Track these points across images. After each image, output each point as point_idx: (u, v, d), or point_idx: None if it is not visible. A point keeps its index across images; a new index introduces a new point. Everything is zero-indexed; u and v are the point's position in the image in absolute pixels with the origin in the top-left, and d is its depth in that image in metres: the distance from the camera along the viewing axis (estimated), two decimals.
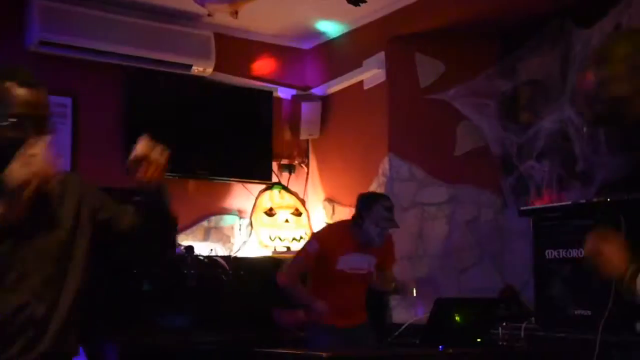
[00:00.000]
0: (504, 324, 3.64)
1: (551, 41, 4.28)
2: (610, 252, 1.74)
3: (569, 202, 3.80)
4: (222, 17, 4.56)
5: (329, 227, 4.39)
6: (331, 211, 5.24)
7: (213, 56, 5.01)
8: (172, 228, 4.19)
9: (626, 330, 3.23)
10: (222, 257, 4.75)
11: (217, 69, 5.08)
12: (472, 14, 4.49)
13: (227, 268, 4.50)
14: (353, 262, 3.80)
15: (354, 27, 5.12)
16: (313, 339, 3.76)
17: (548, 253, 3.69)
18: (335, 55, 5.34)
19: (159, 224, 2.09)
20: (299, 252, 3.98)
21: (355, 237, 3.80)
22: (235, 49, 5.31)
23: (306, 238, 5.01)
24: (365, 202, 3.82)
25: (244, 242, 5.16)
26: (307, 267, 3.81)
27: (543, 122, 4.42)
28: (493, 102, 4.70)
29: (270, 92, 5.35)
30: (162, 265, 4.22)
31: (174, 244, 4.47)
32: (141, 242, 2.09)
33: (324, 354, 2.79)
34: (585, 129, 4.12)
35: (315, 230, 5.00)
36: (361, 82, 5.09)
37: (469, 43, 4.80)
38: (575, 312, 3.47)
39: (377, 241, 3.78)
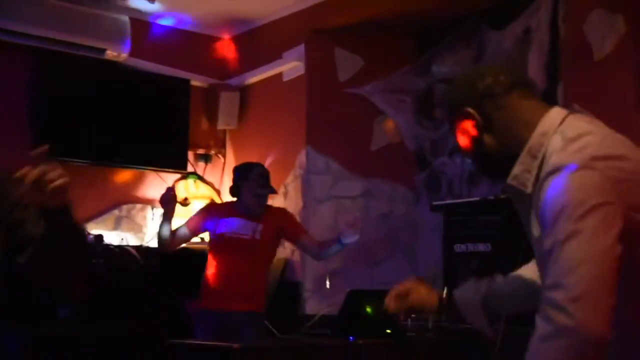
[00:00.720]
0: (413, 315, 3.71)
1: (466, 41, 4.39)
2: (417, 300, 1.81)
3: (478, 198, 3.92)
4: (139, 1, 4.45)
5: (212, 202, 4.37)
6: None
7: (128, 41, 4.88)
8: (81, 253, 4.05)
9: (527, 322, 3.36)
10: (133, 246, 4.65)
11: (132, 54, 4.96)
12: (391, 11, 4.55)
13: (138, 258, 4.41)
14: (234, 226, 3.75)
15: (274, 18, 5.10)
16: (198, 326, 3.71)
17: (457, 247, 3.80)
18: (255, 46, 5.30)
19: (65, 248, 1.69)
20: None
21: (237, 207, 3.82)
22: (152, 35, 5.20)
23: None
24: (241, 171, 3.83)
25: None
26: (190, 228, 3.77)
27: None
28: (409, 98, 4.79)
29: (187, 81, 5.27)
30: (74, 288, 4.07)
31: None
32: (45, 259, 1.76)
33: (234, 346, 2.77)
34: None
35: None
36: (280, 74, 5.08)
37: (387, 39, 4.87)
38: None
39: (256, 209, 3.76)
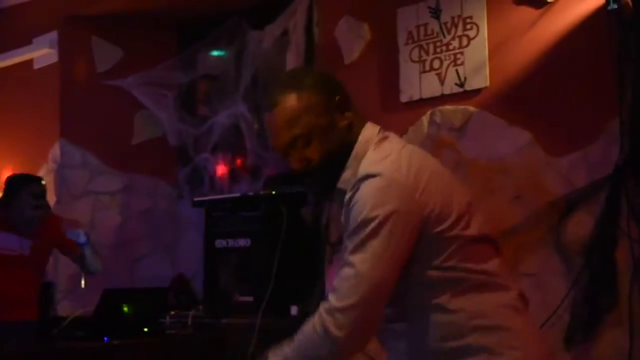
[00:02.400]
0: (172, 312, 3.69)
1: (228, 38, 4.44)
2: None
3: (239, 194, 3.99)
4: None
5: None
6: None
7: None
8: None
9: (284, 314, 3.49)
10: None
11: None
12: (151, 2, 4.47)
13: None
14: (1, 241, 3.53)
15: (24, 0, 4.77)
16: None
17: (218, 242, 3.83)
18: (2, 29, 4.91)
19: None
20: None
21: (5, 218, 3.57)
22: None
23: None
24: (12, 187, 3.60)
25: None
26: None
27: (218, 117, 4.57)
28: (171, 93, 4.73)
29: None
30: None
31: None
32: None
33: None
34: (256, 126, 4.36)
35: None
36: (31, 61, 4.76)
37: (149, 31, 4.78)
38: (240, 299, 3.66)
39: (24, 228, 3.57)
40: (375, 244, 1.44)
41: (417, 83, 3.47)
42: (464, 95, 3.33)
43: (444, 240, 1.49)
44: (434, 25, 3.43)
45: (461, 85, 3.33)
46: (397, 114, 3.55)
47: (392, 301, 1.49)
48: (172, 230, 4.89)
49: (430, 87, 3.43)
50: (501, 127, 3.20)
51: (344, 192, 1.56)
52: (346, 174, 1.57)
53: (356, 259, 1.45)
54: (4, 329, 3.48)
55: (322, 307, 1.47)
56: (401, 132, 3.51)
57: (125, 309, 3.34)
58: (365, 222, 1.45)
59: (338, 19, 3.77)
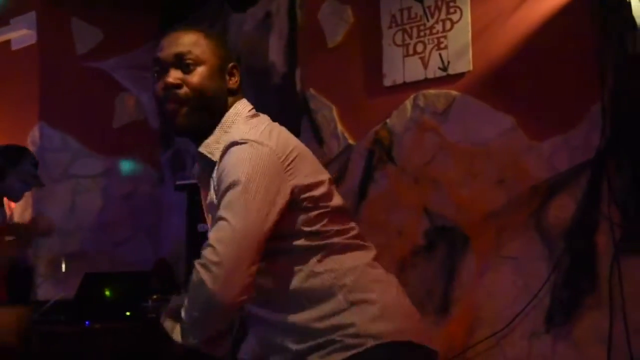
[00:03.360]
0: (155, 296, 3.67)
1: (209, 21, 4.40)
2: None
3: None
4: None
5: None
6: None
7: None
8: None
9: None
10: None
11: None
12: None
13: None
14: None
15: None
16: None
17: (200, 227, 3.81)
18: None
19: None
20: None
21: None
22: None
23: None
24: (12, 157, 3.56)
25: None
26: None
27: None
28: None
29: None
30: None
31: None
32: None
33: None
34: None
35: None
36: (9, 42, 4.68)
37: (129, 13, 4.71)
38: None
39: (17, 197, 3.57)
40: (245, 200, 1.49)
41: (400, 67, 3.47)
42: (447, 80, 3.33)
43: (312, 209, 1.59)
44: (417, 9, 3.42)
45: (444, 69, 3.33)
46: (380, 97, 3.54)
47: (260, 275, 1.53)
48: (154, 214, 4.86)
49: (414, 71, 3.42)
50: (484, 111, 3.21)
51: (205, 157, 1.63)
52: (209, 140, 1.64)
53: (228, 214, 1.49)
54: None
55: (197, 263, 1.50)
56: (385, 116, 3.51)
57: (107, 293, 3.33)
58: (235, 182, 1.51)
59: (321, 2, 3.75)
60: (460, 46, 3.28)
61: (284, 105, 3.94)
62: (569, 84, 3.00)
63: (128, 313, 3.32)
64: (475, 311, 3.16)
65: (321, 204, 1.60)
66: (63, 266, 4.03)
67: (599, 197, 2.85)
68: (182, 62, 1.63)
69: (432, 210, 3.31)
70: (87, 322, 3.10)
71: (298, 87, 3.92)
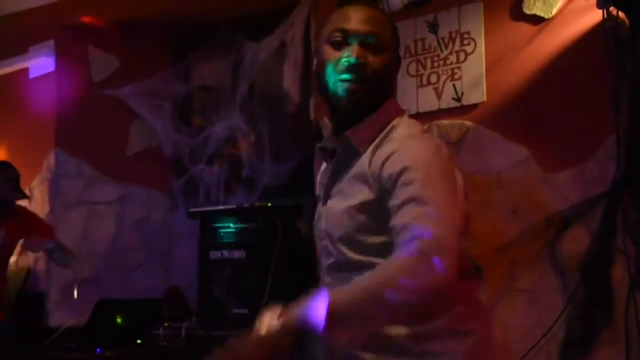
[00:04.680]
0: (166, 324, 3.67)
1: (224, 49, 4.44)
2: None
3: (234, 206, 3.98)
4: None
5: None
6: None
7: None
8: None
9: None
10: None
11: None
12: (148, 13, 4.48)
13: None
14: None
15: (19, 9, 4.75)
16: None
17: (212, 254, 3.82)
18: None
19: None
20: None
21: None
22: None
23: None
24: None
25: None
26: None
27: (214, 128, 4.56)
28: (168, 103, 4.72)
29: None
30: None
31: None
32: None
33: None
34: (252, 137, 4.36)
35: None
36: (27, 70, 4.75)
37: (145, 42, 4.77)
38: (234, 311, 3.63)
39: None
40: (439, 179, 1.39)
41: (414, 97, 3.48)
42: (461, 110, 3.33)
43: None
44: (431, 40, 3.44)
45: (458, 99, 3.34)
46: None
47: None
48: (166, 241, 4.87)
49: (428, 101, 3.43)
50: (498, 142, 3.21)
51: (348, 143, 1.52)
52: (362, 128, 1.52)
53: (426, 193, 1.34)
54: None
55: (412, 245, 1.27)
56: None
57: (119, 319, 3.32)
58: (423, 160, 1.40)
59: None
60: (474, 77, 3.30)
61: (297, 133, 3.96)
62: (584, 115, 3.00)
63: (139, 340, 3.31)
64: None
65: None
66: (75, 292, 4.03)
67: (614, 229, 2.83)
68: (370, 43, 1.51)
69: None
70: (98, 350, 3.08)
71: (312, 115, 3.93)
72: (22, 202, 4.14)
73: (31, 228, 3.67)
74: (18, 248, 3.84)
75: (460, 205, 1.43)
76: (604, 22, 2.87)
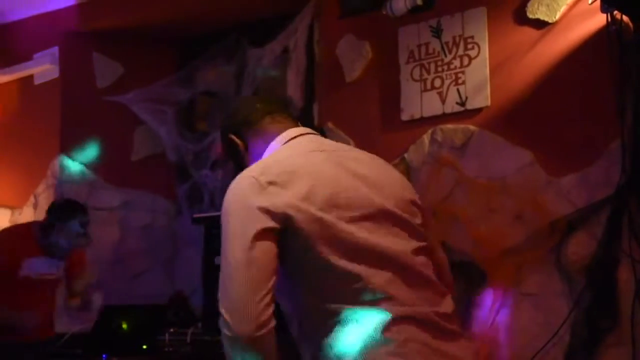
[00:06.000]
0: (172, 330, 3.67)
1: (227, 55, 4.45)
2: None
3: None
4: None
5: (5, 230, 3.97)
6: None
7: None
8: None
9: (284, 332, 3.47)
10: None
11: None
12: (152, 19, 4.49)
13: None
14: (40, 267, 3.53)
15: (24, 16, 4.77)
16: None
17: (217, 260, 3.79)
18: (2, 45, 4.90)
19: None
20: None
21: (39, 242, 3.55)
22: None
23: None
24: (60, 214, 3.55)
25: None
26: None
27: (218, 133, 4.56)
28: (171, 109, 4.73)
29: None
30: None
31: None
32: None
33: None
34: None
35: None
36: (31, 77, 4.76)
37: (149, 48, 4.79)
38: None
39: (62, 253, 3.59)
40: (227, 244, 1.59)
41: (418, 102, 3.48)
42: (465, 115, 3.34)
43: None
44: (435, 45, 3.45)
45: (462, 104, 3.34)
46: (398, 132, 3.55)
47: None
48: (171, 246, 4.87)
49: (431, 105, 3.44)
50: (502, 146, 3.21)
51: None
52: None
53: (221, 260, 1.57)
54: (37, 348, 3.49)
55: None
56: (402, 151, 3.52)
57: (124, 326, 3.32)
58: (222, 222, 1.61)
59: (339, 38, 3.78)
60: (478, 81, 3.30)
61: None
62: (588, 119, 3.00)
63: (145, 346, 3.31)
64: (494, 349, 3.12)
65: None
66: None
67: (619, 233, 2.82)
68: None
69: (450, 245, 3.29)
70: (104, 356, 3.08)
71: (316, 121, 3.94)
72: (26, 210, 4.16)
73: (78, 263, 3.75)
74: None
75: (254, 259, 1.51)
76: (607, 26, 2.88)
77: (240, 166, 1.76)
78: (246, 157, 1.78)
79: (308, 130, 1.77)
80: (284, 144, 1.72)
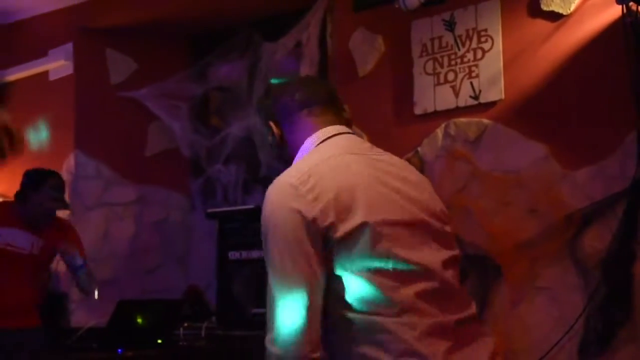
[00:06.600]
0: (186, 324, 3.68)
1: (240, 50, 4.45)
2: None
3: (252, 206, 3.98)
4: None
5: None
6: None
7: None
8: None
9: None
10: None
11: None
12: (164, 14, 4.50)
13: None
14: (10, 237, 3.47)
15: (38, 12, 4.80)
16: None
17: (231, 254, 3.83)
18: (17, 41, 4.93)
19: None
20: None
21: (20, 215, 3.52)
22: None
23: None
24: (32, 180, 3.54)
25: None
26: None
27: (231, 128, 4.58)
28: (185, 104, 4.75)
29: None
30: None
31: None
32: None
33: None
34: (269, 137, 4.36)
35: None
36: (46, 73, 4.79)
37: (162, 43, 4.80)
38: (254, 311, 3.64)
39: (40, 222, 3.54)
40: (272, 262, 1.58)
41: (431, 95, 3.47)
42: (479, 108, 3.32)
43: None
44: (448, 38, 3.44)
45: (476, 97, 3.33)
46: (411, 126, 3.55)
47: None
48: (185, 241, 4.89)
49: (445, 99, 3.43)
50: (516, 139, 3.19)
51: None
52: None
53: (268, 281, 1.55)
54: (13, 337, 3.42)
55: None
56: (416, 144, 3.51)
57: (139, 320, 3.34)
58: (263, 237, 1.58)
59: (352, 31, 3.78)
60: (491, 75, 3.28)
61: None
62: (603, 112, 2.98)
63: (160, 341, 3.33)
64: (509, 343, 3.11)
65: None
66: (96, 293, 4.06)
67: (635, 227, 2.81)
68: None
69: (464, 238, 3.28)
70: (119, 350, 3.11)
71: None
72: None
73: (68, 243, 3.66)
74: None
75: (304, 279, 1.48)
76: (623, 17, 2.85)
77: (280, 155, 1.74)
78: (285, 149, 1.72)
79: (344, 129, 1.69)
80: (320, 143, 1.65)
